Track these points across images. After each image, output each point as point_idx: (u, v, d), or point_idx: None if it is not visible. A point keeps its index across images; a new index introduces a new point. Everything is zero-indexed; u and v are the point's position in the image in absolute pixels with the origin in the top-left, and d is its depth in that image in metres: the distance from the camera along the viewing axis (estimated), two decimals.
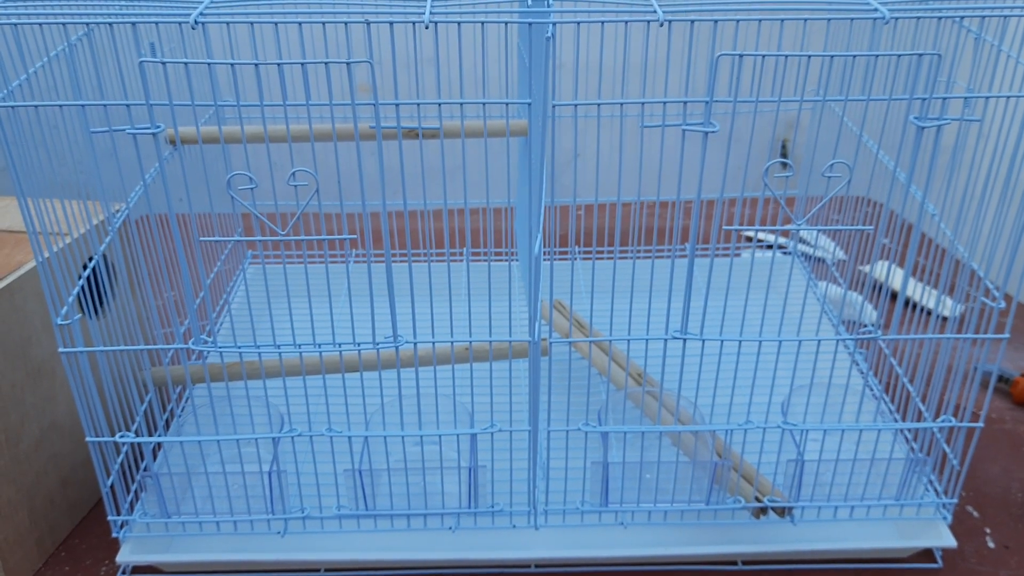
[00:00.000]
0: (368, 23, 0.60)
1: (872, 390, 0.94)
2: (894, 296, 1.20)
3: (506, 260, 1.27)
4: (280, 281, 0.73)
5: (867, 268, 1.18)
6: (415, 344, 0.72)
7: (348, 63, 0.60)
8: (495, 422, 0.76)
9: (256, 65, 0.60)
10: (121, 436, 0.74)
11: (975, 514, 0.89)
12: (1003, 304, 0.72)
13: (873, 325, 0.73)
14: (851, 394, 0.80)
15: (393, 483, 0.77)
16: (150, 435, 0.78)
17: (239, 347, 0.71)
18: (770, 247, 1.40)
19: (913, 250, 0.69)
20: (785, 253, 1.33)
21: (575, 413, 0.81)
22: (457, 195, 0.68)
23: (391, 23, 0.60)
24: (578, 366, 1.02)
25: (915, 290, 1.25)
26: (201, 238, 0.67)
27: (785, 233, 1.39)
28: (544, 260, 0.70)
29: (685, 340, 0.72)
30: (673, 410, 0.82)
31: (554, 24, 0.60)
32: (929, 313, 1.19)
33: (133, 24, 0.60)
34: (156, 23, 0.60)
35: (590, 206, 1.38)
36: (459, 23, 0.60)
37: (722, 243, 1.29)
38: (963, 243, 0.74)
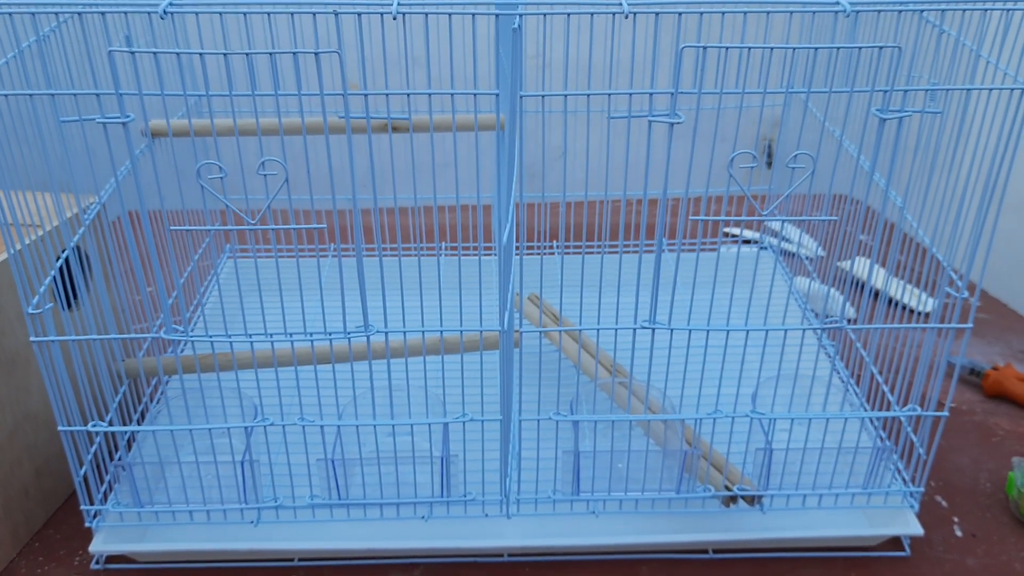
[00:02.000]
0: (336, 14, 0.60)
1: (840, 378, 0.95)
2: (877, 294, 1.22)
3: (476, 255, 1.28)
4: (254, 276, 0.74)
5: (846, 264, 1.19)
6: (386, 334, 0.72)
7: (316, 53, 0.61)
8: (467, 412, 0.77)
9: (224, 55, 0.61)
10: (94, 425, 0.75)
11: (944, 503, 0.90)
12: (966, 294, 0.73)
13: (842, 316, 0.74)
14: (819, 384, 0.81)
15: (366, 473, 0.77)
16: (124, 426, 0.78)
17: (211, 337, 0.72)
18: (746, 242, 1.41)
19: (896, 247, 0.70)
20: (761, 248, 1.34)
21: (546, 403, 0.81)
22: (433, 190, 0.69)
23: (358, 14, 0.60)
24: (550, 356, 1.03)
25: (896, 287, 1.26)
26: (172, 227, 0.67)
27: (758, 227, 1.40)
28: (516, 253, 0.71)
29: (653, 330, 0.73)
30: (644, 399, 0.83)
31: (521, 16, 0.61)
32: (910, 311, 1.20)
33: (103, 14, 0.61)
34: (126, 12, 0.61)
35: (566, 202, 1.39)
36: (426, 15, 0.61)
37: (688, 238, 1.31)
38: (929, 234, 0.75)
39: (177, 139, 0.93)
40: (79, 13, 0.60)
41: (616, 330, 0.74)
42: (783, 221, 0.69)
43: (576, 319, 1.00)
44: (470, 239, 1.28)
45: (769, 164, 1.57)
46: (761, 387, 0.82)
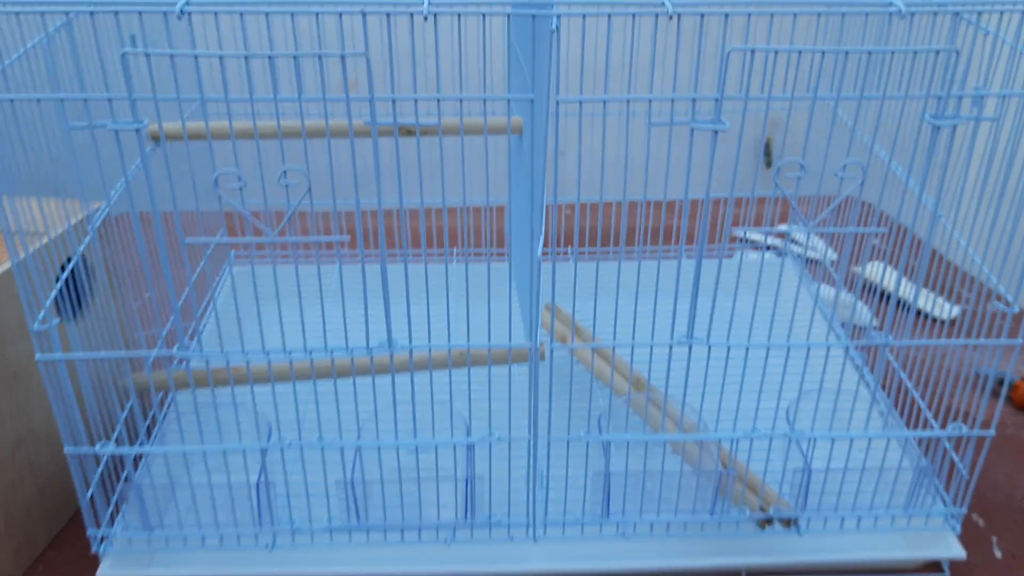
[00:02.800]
0: (364, 14, 0.57)
1: (878, 399, 0.91)
2: (885, 296, 1.18)
3: (491, 261, 1.24)
4: (268, 282, 0.70)
5: (859, 269, 1.16)
6: (411, 350, 0.69)
7: (343, 56, 0.57)
8: (493, 431, 0.73)
9: (245, 57, 0.57)
10: (101, 446, 0.71)
11: (980, 523, 0.87)
12: (1016, 309, 0.70)
13: (873, 328, 0.71)
14: (858, 401, 0.78)
15: (386, 495, 0.74)
16: (131, 444, 0.75)
17: (225, 352, 0.68)
18: (766, 247, 1.38)
19: (925, 257, 0.67)
20: (778, 254, 1.31)
21: (575, 420, 0.78)
22: (450, 194, 0.65)
23: (388, 14, 0.57)
24: (577, 370, 1.00)
25: (907, 291, 1.23)
26: (187, 240, 0.64)
27: (781, 234, 1.37)
28: (545, 262, 0.68)
29: (691, 346, 0.70)
30: (676, 418, 0.80)
31: (558, 16, 0.58)
32: (925, 316, 1.17)
33: (116, 13, 0.57)
34: (139, 12, 0.57)
35: (585, 205, 1.35)
36: (460, 14, 0.57)
37: (719, 243, 1.27)
38: (975, 246, 0.71)
39: (179, 143, 0.90)
40: (91, 12, 0.56)
41: (652, 346, 0.71)
42: (828, 232, 0.66)
43: (600, 331, 0.97)
44: (483, 244, 1.25)
45: (768, 164, 1.54)
46: (798, 404, 0.79)
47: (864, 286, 1.21)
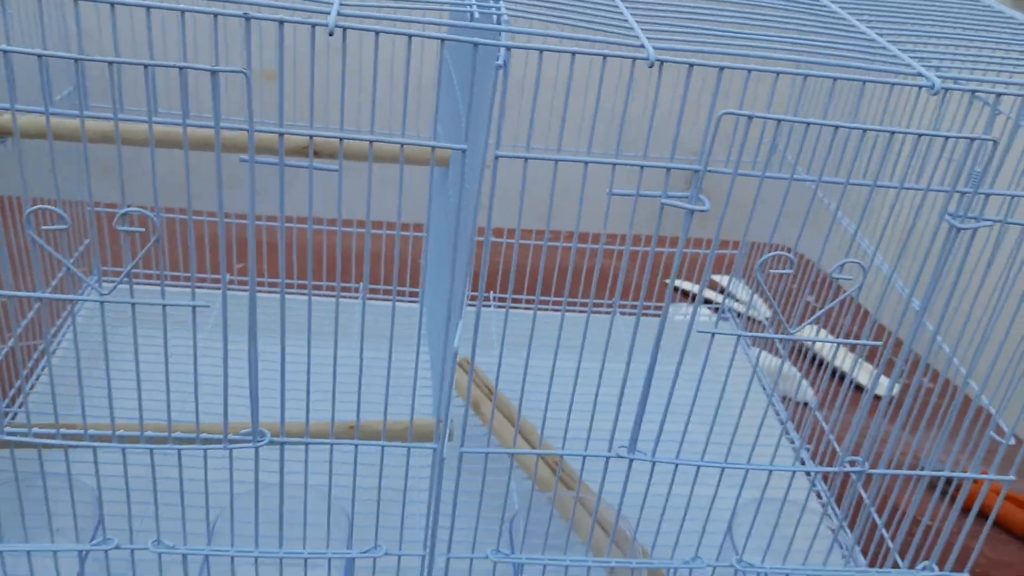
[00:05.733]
0: (248, 18, 0.42)
1: (845, 529, 0.80)
2: (821, 364, 1.09)
3: (385, 300, 1.10)
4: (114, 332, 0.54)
5: (796, 330, 1.06)
6: (282, 445, 0.54)
7: (214, 71, 0.42)
8: (379, 543, 0.59)
9: (75, 60, 0.42)
10: None
11: None
12: (1013, 441, 0.59)
13: (816, 407, 0.60)
14: (812, 526, 0.66)
15: None
16: None
17: (30, 430, 0.52)
18: (710, 304, 1.27)
19: (841, 312, 0.56)
20: (715, 309, 1.20)
21: (485, 523, 0.64)
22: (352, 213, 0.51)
23: (280, 21, 0.42)
24: (484, 437, 0.86)
25: (844, 360, 1.14)
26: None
27: (712, 285, 1.27)
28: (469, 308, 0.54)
29: (631, 460, 0.57)
30: (608, 526, 0.67)
31: (507, 49, 0.44)
32: (860, 389, 1.08)
33: None
34: None
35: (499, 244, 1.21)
36: (376, 32, 0.43)
37: (632, 299, 1.16)
38: (973, 374, 0.61)
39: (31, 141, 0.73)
40: None
41: (584, 457, 0.58)
42: (827, 343, 0.54)
43: (517, 389, 0.83)
44: (380, 280, 1.10)
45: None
46: (739, 524, 0.67)
47: (801, 351, 1.11)
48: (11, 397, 0.75)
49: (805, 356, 1.09)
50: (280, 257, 0.47)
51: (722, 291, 1.29)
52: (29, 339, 0.87)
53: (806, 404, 1.03)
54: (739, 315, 1.19)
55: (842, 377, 1.12)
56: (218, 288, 1.06)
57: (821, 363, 1.12)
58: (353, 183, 0.52)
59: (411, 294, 1.10)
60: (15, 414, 0.79)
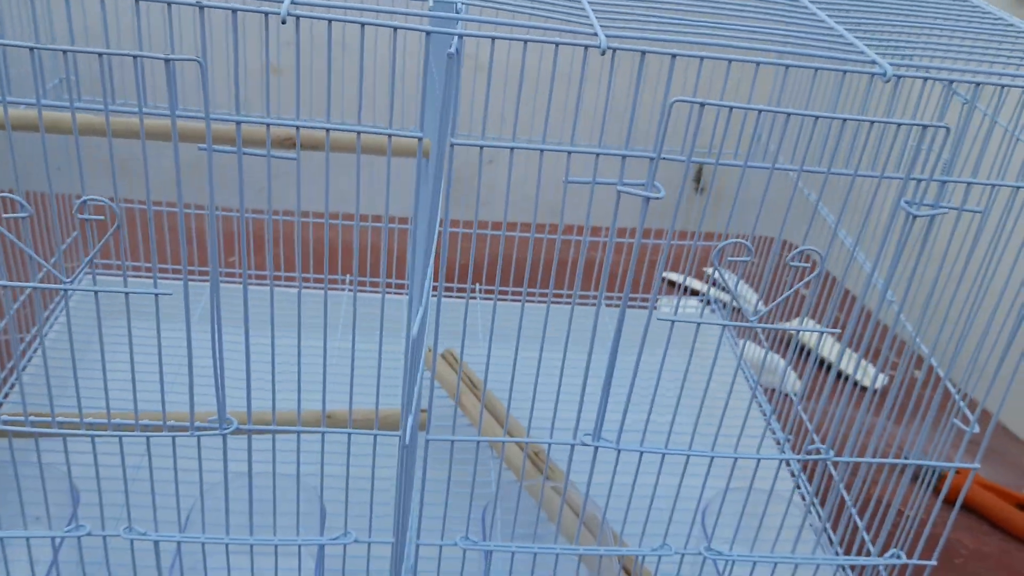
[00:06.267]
0: (201, 7, 0.43)
1: (817, 513, 0.81)
2: (819, 361, 1.09)
3: (356, 291, 1.11)
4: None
5: (791, 323, 1.06)
6: (249, 434, 0.55)
7: (168, 59, 0.43)
8: (349, 530, 0.59)
9: (31, 49, 0.43)
10: None
11: None
12: (977, 429, 0.60)
13: (797, 396, 0.60)
14: (782, 511, 0.67)
15: None
16: None
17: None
18: (695, 293, 1.27)
19: (836, 305, 0.56)
20: (701, 299, 1.20)
21: (455, 508, 0.64)
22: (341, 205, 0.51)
23: (233, 9, 0.43)
24: (460, 426, 0.87)
25: (831, 351, 1.14)
26: None
27: (699, 275, 1.27)
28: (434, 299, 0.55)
29: (596, 448, 0.57)
30: (577, 509, 0.68)
31: (460, 37, 0.44)
32: (846, 381, 1.09)
33: None
34: None
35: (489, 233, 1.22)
36: (329, 20, 0.44)
37: (618, 291, 1.16)
38: (938, 354, 0.61)
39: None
40: None
41: (550, 445, 0.58)
42: (807, 331, 0.54)
43: (504, 387, 0.84)
44: (366, 273, 1.11)
45: (698, 189, 1.45)
46: (710, 512, 0.68)
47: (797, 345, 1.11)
48: None
49: (789, 346, 1.09)
50: (267, 249, 0.48)
51: (714, 283, 1.29)
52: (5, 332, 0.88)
53: (786, 395, 1.03)
54: (724, 306, 1.20)
55: (828, 367, 1.12)
56: (207, 280, 1.07)
57: (808, 352, 1.12)
58: (337, 177, 0.52)
59: (398, 286, 1.11)
60: None
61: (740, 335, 1.14)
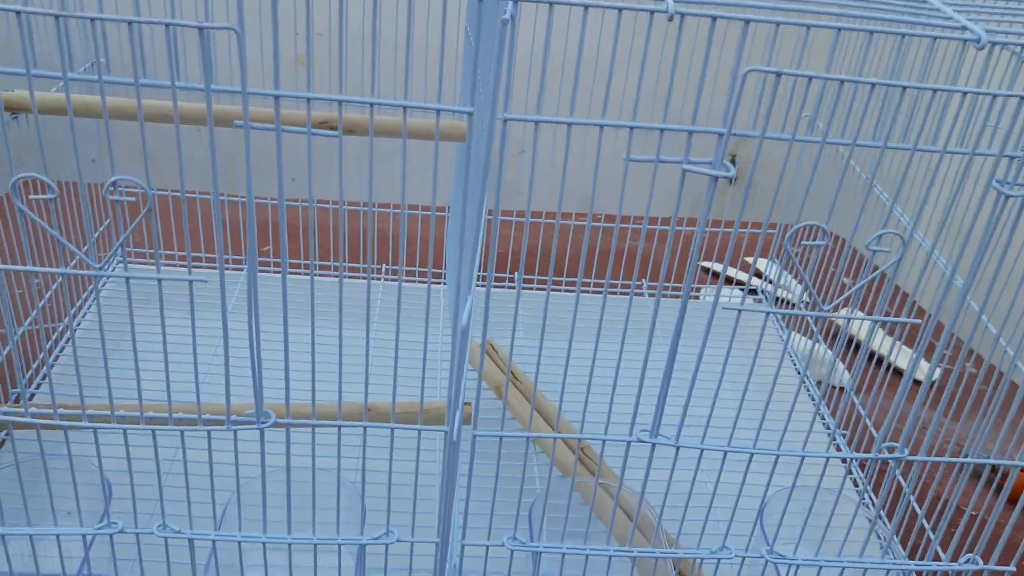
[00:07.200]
0: None
1: (883, 518, 0.77)
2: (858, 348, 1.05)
3: (396, 280, 1.07)
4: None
5: (837, 315, 1.02)
6: (288, 427, 0.52)
7: (202, 28, 0.40)
8: (391, 528, 0.57)
9: (57, 17, 0.40)
10: None
11: None
12: None
13: (851, 391, 0.56)
14: (847, 515, 0.63)
15: None
16: None
17: (27, 411, 0.51)
18: (741, 285, 1.23)
19: (887, 298, 0.52)
20: (751, 291, 1.16)
21: (501, 508, 0.61)
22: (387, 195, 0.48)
23: None
24: (509, 427, 0.83)
25: (882, 344, 1.10)
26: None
27: (745, 267, 1.23)
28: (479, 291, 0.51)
29: (654, 445, 0.54)
30: (630, 511, 0.65)
31: (515, 2, 0.41)
32: (899, 373, 1.04)
33: None
34: None
35: (531, 221, 1.19)
36: None
37: (673, 282, 1.12)
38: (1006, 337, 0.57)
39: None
40: None
41: (604, 441, 0.55)
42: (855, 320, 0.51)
43: (543, 376, 0.80)
44: (401, 262, 1.08)
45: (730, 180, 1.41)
46: (770, 512, 0.64)
47: (847, 337, 1.07)
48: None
49: (839, 339, 1.05)
50: (312, 234, 0.45)
51: (758, 274, 1.25)
52: (36, 323, 0.86)
53: (841, 388, 0.99)
54: (773, 298, 1.16)
55: (880, 361, 1.08)
56: (241, 269, 1.04)
57: (858, 346, 1.08)
58: (366, 165, 0.49)
59: (435, 275, 1.08)
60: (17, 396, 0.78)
61: (787, 325, 1.10)
